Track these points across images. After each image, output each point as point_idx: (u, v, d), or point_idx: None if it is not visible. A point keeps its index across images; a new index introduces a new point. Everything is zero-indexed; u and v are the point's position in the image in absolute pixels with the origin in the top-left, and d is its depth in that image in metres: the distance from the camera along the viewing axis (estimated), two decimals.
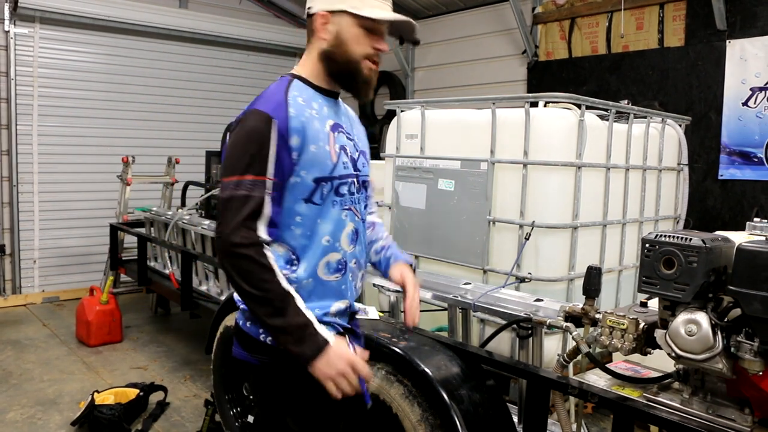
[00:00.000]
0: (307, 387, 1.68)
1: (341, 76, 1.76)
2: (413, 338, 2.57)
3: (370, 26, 1.71)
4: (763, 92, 4.64)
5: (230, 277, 1.61)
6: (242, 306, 1.74)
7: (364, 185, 1.86)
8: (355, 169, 1.80)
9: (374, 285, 3.19)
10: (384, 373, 2.45)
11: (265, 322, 1.59)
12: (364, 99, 1.81)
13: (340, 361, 1.57)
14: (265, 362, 1.72)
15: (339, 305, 1.79)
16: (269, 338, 1.69)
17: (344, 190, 1.75)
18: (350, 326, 1.88)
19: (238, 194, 1.58)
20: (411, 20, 1.77)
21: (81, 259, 7.04)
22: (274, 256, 1.62)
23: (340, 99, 1.85)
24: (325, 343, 1.57)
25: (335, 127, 1.75)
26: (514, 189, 3.09)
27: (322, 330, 1.60)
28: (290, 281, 1.64)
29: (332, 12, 1.70)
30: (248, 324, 1.74)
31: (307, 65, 1.77)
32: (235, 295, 1.75)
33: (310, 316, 1.60)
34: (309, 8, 1.75)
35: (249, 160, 1.59)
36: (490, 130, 3.17)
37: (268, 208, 1.61)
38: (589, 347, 2.15)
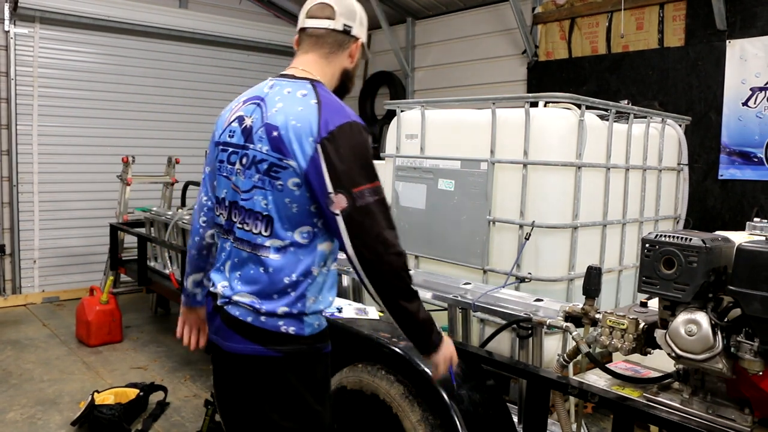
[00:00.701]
0: (327, 371, 1.91)
1: (344, 92, 1.96)
2: None
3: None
4: (763, 92, 4.64)
5: (395, 281, 1.72)
6: (245, 301, 1.78)
7: None
8: None
9: None
10: (384, 373, 2.45)
11: (416, 314, 1.76)
12: None
13: (449, 350, 1.87)
14: (293, 351, 1.78)
15: (334, 291, 1.92)
16: (291, 329, 1.77)
17: None
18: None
19: (383, 198, 1.72)
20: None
21: (81, 259, 7.04)
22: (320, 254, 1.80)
23: None
24: (441, 335, 1.85)
25: None
26: (514, 189, 3.08)
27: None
28: (323, 272, 1.82)
29: (362, 42, 1.96)
30: (263, 318, 1.76)
31: (327, 76, 1.89)
32: (227, 290, 1.83)
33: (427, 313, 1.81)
34: (349, 27, 1.88)
35: (373, 168, 1.73)
36: (490, 130, 3.17)
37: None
38: (589, 347, 2.15)
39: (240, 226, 1.81)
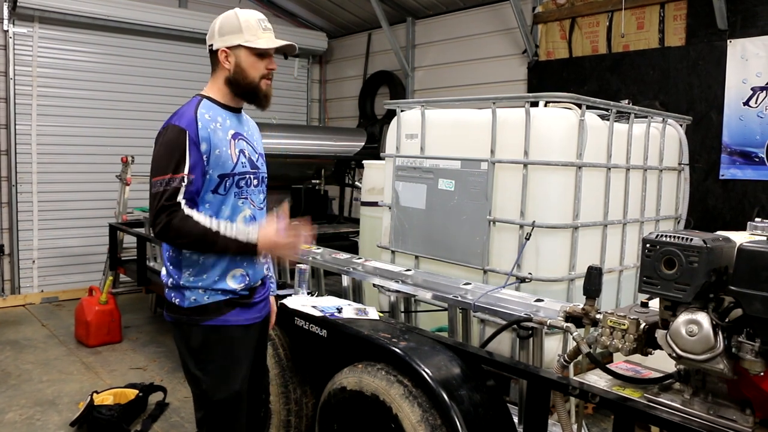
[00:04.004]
0: (206, 342, 2.21)
1: (246, 95, 2.25)
2: (413, 338, 2.56)
3: (262, 53, 2.23)
4: (764, 92, 4.62)
5: (174, 244, 2.12)
6: (170, 282, 2.24)
7: (263, 180, 2.35)
8: (253, 167, 2.28)
9: (374, 285, 3.18)
10: (384, 374, 2.44)
11: (209, 251, 2.12)
12: (264, 109, 2.30)
13: (272, 237, 2.11)
14: (176, 319, 2.24)
15: (235, 272, 2.22)
16: (176, 300, 2.20)
17: (242, 183, 2.23)
18: (253, 298, 2.30)
19: (159, 190, 2.05)
20: (291, 44, 2.28)
21: (80, 259, 7.04)
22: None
23: (243, 112, 2.35)
24: (253, 235, 2.09)
25: (236, 135, 2.23)
26: (515, 189, 3.07)
27: (248, 231, 2.11)
28: (199, 254, 2.16)
29: (231, 48, 2.21)
30: (166, 290, 2.25)
31: (214, 88, 2.26)
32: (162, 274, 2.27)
33: (236, 231, 2.09)
34: (211, 45, 2.25)
35: (170, 163, 2.06)
36: (491, 130, 3.16)
37: (184, 192, 2.06)
38: (590, 348, 2.14)
39: None
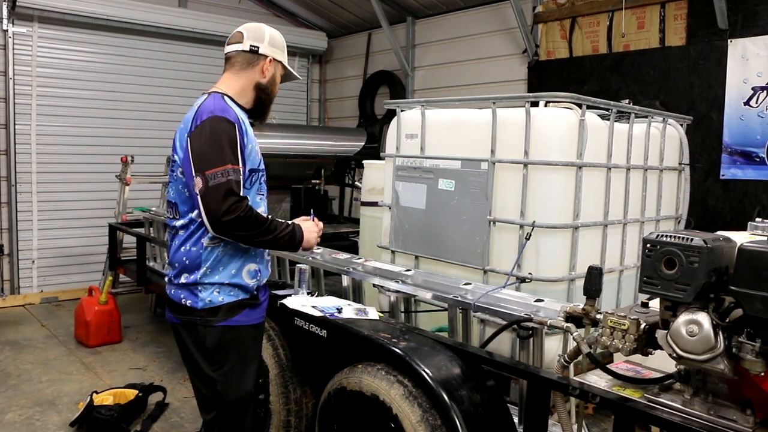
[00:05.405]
0: (221, 342, 2.23)
1: (262, 104, 2.37)
2: (413, 338, 2.56)
3: (285, 76, 2.44)
4: (765, 92, 4.62)
5: (238, 234, 2.10)
6: (165, 272, 2.32)
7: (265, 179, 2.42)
8: (262, 165, 2.37)
9: (374, 285, 3.18)
10: (384, 374, 2.44)
11: (274, 242, 2.20)
12: (262, 123, 2.47)
13: (310, 235, 2.33)
14: (187, 320, 2.24)
15: (250, 266, 2.27)
16: (188, 302, 2.21)
17: (262, 180, 2.35)
18: (259, 298, 2.35)
19: (223, 180, 2.05)
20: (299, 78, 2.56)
21: (80, 259, 7.04)
22: None
23: None
24: (295, 226, 2.27)
25: (254, 133, 2.32)
26: (515, 189, 3.07)
27: (290, 223, 2.27)
28: (218, 246, 2.19)
29: (274, 59, 2.35)
30: (172, 290, 2.27)
31: (235, 87, 2.31)
32: (173, 273, 2.26)
33: (286, 224, 2.25)
34: (256, 47, 2.30)
35: (226, 154, 2.08)
36: (491, 129, 3.15)
37: (242, 183, 2.12)
38: (590, 348, 2.14)
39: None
